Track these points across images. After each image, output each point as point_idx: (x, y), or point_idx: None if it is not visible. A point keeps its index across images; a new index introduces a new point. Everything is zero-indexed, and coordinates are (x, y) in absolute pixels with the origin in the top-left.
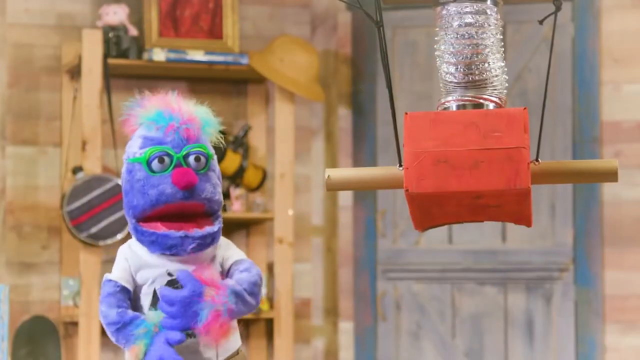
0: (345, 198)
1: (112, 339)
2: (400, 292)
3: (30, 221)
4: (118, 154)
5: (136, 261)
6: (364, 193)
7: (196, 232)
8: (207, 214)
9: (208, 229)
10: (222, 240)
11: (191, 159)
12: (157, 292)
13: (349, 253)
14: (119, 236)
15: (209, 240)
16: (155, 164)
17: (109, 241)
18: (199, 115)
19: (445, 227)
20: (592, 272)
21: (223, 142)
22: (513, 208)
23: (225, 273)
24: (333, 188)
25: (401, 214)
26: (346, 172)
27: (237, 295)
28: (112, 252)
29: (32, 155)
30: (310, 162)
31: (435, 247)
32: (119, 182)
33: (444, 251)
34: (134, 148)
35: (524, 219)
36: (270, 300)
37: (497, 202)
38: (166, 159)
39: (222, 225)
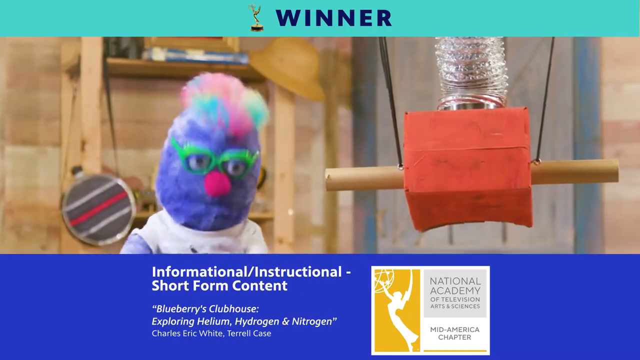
0: (346, 198)
1: None
2: None
3: (29, 221)
4: (118, 154)
5: (164, 231)
6: (364, 193)
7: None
8: None
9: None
10: (252, 226)
11: (230, 166)
12: None
13: (349, 253)
14: (119, 236)
15: (234, 214)
16: (192, 163)
17: (109, 241)
18: (251, 112)
19: (446, 227)
20: None
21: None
22: (513, 208)
23: None
24: (333, 188)
25: (401, 214)
26: (346, 172)
27: None
28: (112, 252)
29: (31, 155)
30: (310, 162)
31: (435, 247)
32: (119, 182)
33: (444, 251)
34: (179, 130)
35: (525, 219)
36: None
37: (498, 202)
38: (205, 160)
39: (249, 206)
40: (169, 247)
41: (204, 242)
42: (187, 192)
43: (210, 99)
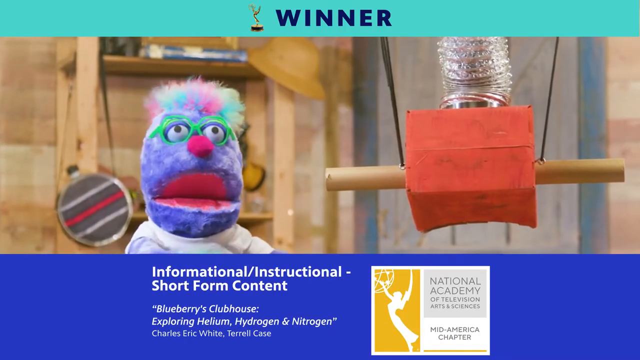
0: (346, 198)
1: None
2: None
3: (24, 222)
4: (114, 153)
5: (154, 239)
6: (365, 193)
7: (211, 209)
8: (226, 197)
9: (224, 208)
10: (242, 230)
11: (208, 129)
12: None
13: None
14: (115, 237)
15: (224, 220)
16: (171, 133)
17: (105, 242)
18: (221, 96)
19: (448, 227)
20: None
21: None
22: (517, 208)
23: None
24: (333, 188)
25: (403, 214)
26: (347, 171)
27: None
28: (108, 253)
29: (26, 155)
30: (310, 161)
31: (437, 247)
32: (115, 182)
33: (446, 252)
34: (154, 126)
35: (529, 220)
36: None
37: (501, 202)
38: (183, 127)
39: (238, 210)
40: None
41: (194, 248)
42: (172, 164)
43: (176, 92)
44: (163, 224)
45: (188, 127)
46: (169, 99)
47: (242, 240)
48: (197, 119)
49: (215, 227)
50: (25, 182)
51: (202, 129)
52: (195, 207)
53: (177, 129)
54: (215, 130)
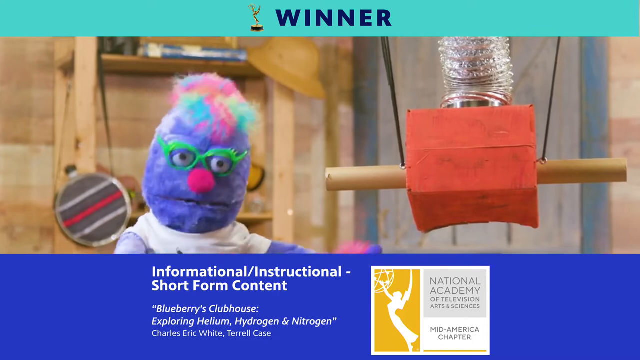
0: (346, 198)
1: None
2: None
3: (22, 222)
4: (113, 153)
5: (150, 234)
6: (366, 193)
7: (208, 205)
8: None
9: (220, 205)
10: (240, 227)
11: (214, 162)
12: None
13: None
14: (114, 237)
15: (219, 217)
16: (176, 159)
17: (103, 242)
18: (236, 115)
19: (450, 228)
20: None
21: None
22: (519, 208)
23: None
24: (334, 188)
25: (404, 214)
26: (347, 171)
27: None
28: (107, 253)
29: (24, 154)
30: (310, 161)
31: (439, 248)
32: (114, 181)
33: (447, 252)
34: (165, 128)
35: (530, 220)
36: None
37: (503, 202)
38: (188, 156)
39: (237, 210)
40: (155, 249)
41: (189, 244)
42: (172, 189)
43: (196, 99)
44: (159, 217)
45: (194, 155)
46: (188, 104)
47: (240, 237)
48: (204, 149)
49: (211, 223)
50: (23, 182)
51: (208, 160)
52: (191, 202)
53: (183, 157)
54: (220, 164)
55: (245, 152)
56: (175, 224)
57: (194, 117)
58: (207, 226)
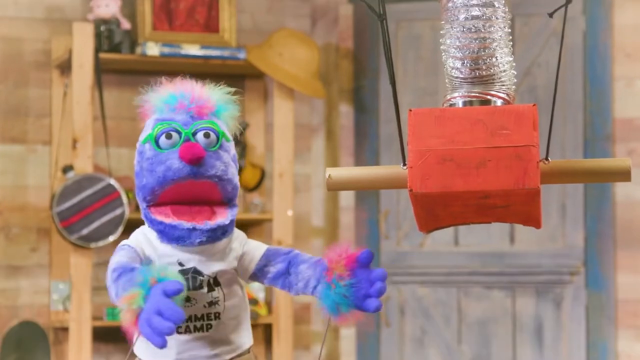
0: (347, 198)
1: (111, 292)
2: (404, 296)
3: (18, 222)
4: (110, 153)
5: (148, 248)
6: (366, 193)
7: (206, 224)
8: (223, 201)
9: (219, 221)
10: (238, 233)
11: (200, 135)
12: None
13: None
14: (111, 238)
15: (219, 233)
16: (162, 140)
17: (101, 243)
18: (213, 96)
19: (451, 228)
20: (604, 275)
21: (242, 131)
22: (521, 209)
23: (256, 266)
24: (334, 188)
25: (405, 214)
26: (348, 171)
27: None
28: (104, 254)
29: (21, 154)
30: (310, 161)
31: (440, 249)
32: (111, 181)
33: (449, 254)
34: (146, 130)
35: (533, 220)
36: (269, 304)
37: (505, 203)
38: (174, 134)
39: (235, 217)
40: (153, 259)
41: (190, 256)
42: (164, 171)
43: (168, 94)
44: (158, 235)
45: (179, 133)
46: (160, 102)
47: (239, 243)
48: (189, 124)
49: (212, 240)
50: (19, 182)
51: (194, 134)
52: (190, 223)
53: (168, 136)
54: (207, 135)
55: (230, 139)
56: (174, 244)
57: (171, 104)
58: (207, 243)
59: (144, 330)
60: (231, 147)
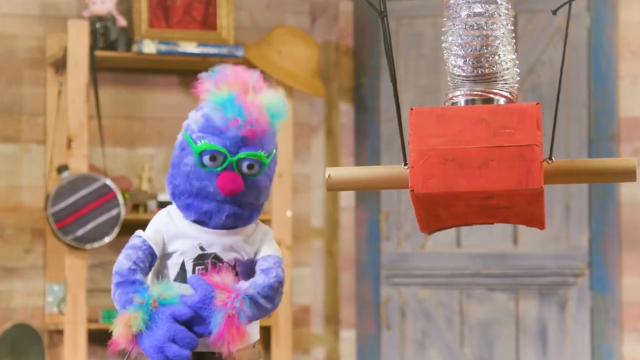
0: (347, 199)
1: (113, 294)
2: (405, 298)
3: (12, 223)
4: (106, 152)
5: (171, 228)
6: (367, 193)
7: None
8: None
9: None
10: (264, 228)
11: (244, 165)
12: (186, 264)
13: (350, 257)
14: (107, 239)
15: (246, 214)
16: (206, 160)
17: (96, 244)
18: (268, 112)
19: (453, 229)
20: (609, 277)
21: None
22: (525, 209)
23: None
24: (334, 188)
25: (406, 215)
26: (348, 171)
27: (250, 298)
28: (99, 255)
29: (15, 153)
30: (309, 160)
31: (442, 250)
32: (107, 182)
33: (451, 255)
34: (193, 124)
35: (537, 221)
36: None
37: (508, 203)
38: (219, 157)
39: (260, 213)
40: (177, 244)
41: (213, 240)
42: (199, 189)
43: (227, 96)
44: (185, 211)
45: (224, 157)
46: (218, 100)
47: (260, 237)
48: (235, 150)
49: (238, 219)
50: (13, 182)
51: (238, 162)
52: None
53: (213, 158)
54: (251, 167)
55: (274, 152)
56: (202, 219)
57: (224, 116)
58: (233, 222)
59: (159, 358)
60: (273, 164)
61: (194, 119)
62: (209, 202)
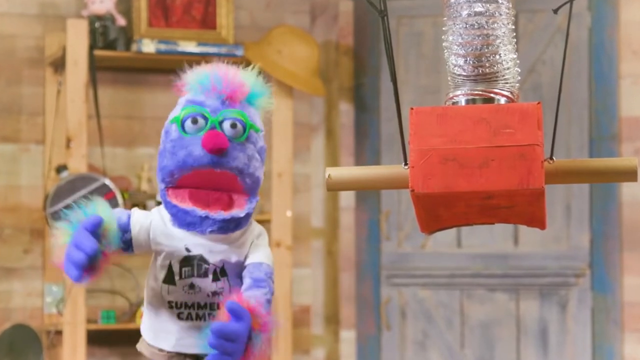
0: (347, 199)
1: None
2: (405, 298)
3: (11, 223)
4: (105, 152)
5: (160, 226)
6: (367, 193)
7: (219, 214)
8: (243, 191)
9: (233, 213)
10: (257, 230)
11: (226, 124)
12: (172, 266)
13: (350, 257)
14: None
15: (232, 225)
16: (188, 125)
17: None
18: (247, 82)
19: (454, 229)
20: (610, 277)
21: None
22: (526, 209)
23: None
24: (334, 188)
25: (406, 215)
26: (348, 171)
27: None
28: None
29: (14, 153)
30: (309, 160)
31: (442, 250)
32: (106, 181)
33: (452, 255)
34: (175, 111)
35: (538, 221)
36: None
37: (509, 203)
38: (200, 120)
39: (252, 211)
40: (164, 243)
41: (199, 242)
42: (185, 157)
43: (202, 73)
44: (171, 218)
45: (206, 119)
46: (194, 81)
47: (252, 239)
48: (217, 111)
49: (223, 231)
50: (12, 181)
51: (221, 123)
52: (203, 211)
53: (194, 121)
54: (234, 126)
55: (260, 129)
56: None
57: (203, 86)
58: (218, 233)
59: (64, 264)
60: (259, 138)
61: (176, 108)
62: (192, 215)
